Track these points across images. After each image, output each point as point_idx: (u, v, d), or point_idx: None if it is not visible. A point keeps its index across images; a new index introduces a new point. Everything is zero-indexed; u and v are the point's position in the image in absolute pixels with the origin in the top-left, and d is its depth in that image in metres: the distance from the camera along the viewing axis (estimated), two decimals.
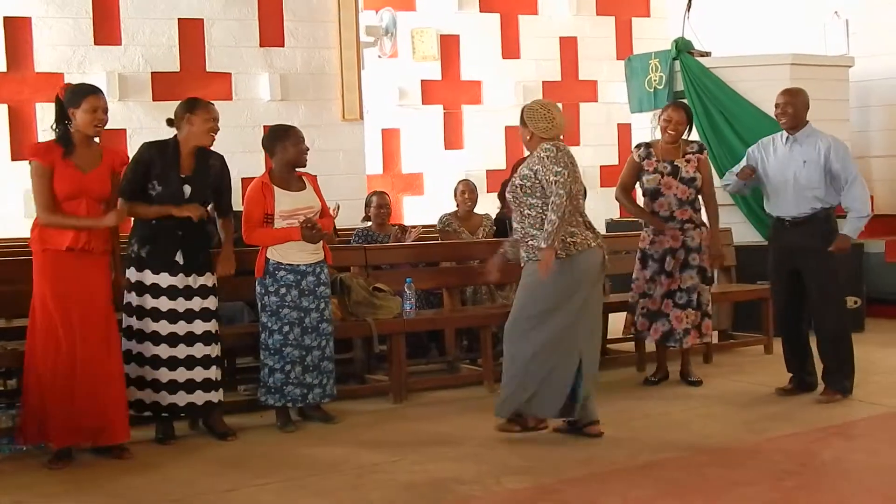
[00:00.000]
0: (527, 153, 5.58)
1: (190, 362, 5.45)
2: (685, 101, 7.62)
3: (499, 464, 5.00)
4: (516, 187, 5.38)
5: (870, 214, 6.27)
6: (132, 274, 5.42)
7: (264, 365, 5.72)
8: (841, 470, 4.86)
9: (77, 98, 5.07)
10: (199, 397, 5.49)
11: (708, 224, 6.76)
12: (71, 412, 5.02)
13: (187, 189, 5.43)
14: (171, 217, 5.37)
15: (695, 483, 4.67)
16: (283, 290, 5.68)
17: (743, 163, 6.48)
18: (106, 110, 5.14)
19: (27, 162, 5.06)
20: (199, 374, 5.47)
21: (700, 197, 6.70)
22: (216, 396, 5.58)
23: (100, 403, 5.10)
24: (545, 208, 5.25)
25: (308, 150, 5.87)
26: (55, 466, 5.04)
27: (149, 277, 5.40)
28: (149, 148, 5.47)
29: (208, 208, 5.63)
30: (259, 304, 5.74)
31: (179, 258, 5.43)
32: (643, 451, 5.16)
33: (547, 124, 5.36)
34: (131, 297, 5.42)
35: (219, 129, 5.56)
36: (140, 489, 4.72)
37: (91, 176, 5.07)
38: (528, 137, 5.44)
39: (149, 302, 5.40)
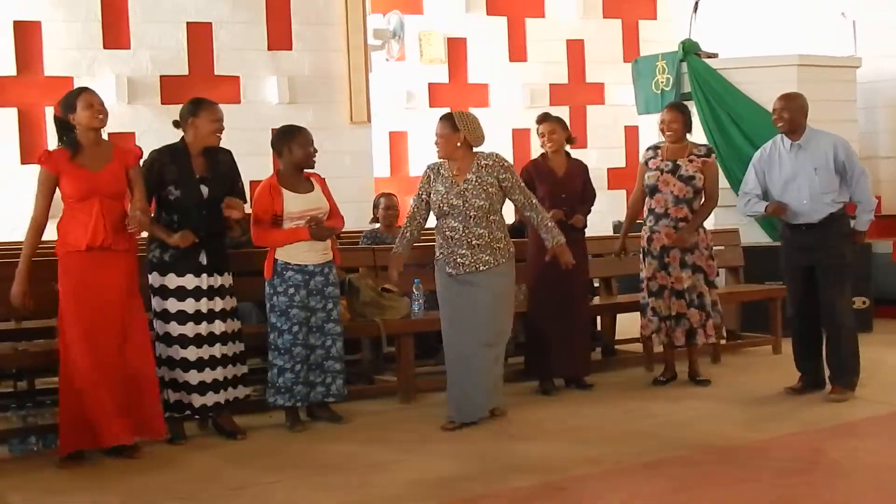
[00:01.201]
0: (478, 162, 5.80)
1: (214, 362, 5.50)
2: (683, 102, 7.60)
3: (505, 462, 5.02)
4: (491, 196, 5.61)
5: (875, 202, 6.34)
6: (155, 279, 5.44)
7: (273, 365, 5.72)
8: (848, 468, 4.87)
9: (70, 102, 5.10)
10: (231, 394, 5.59)
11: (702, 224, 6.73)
12: (104, 413, 5.02)
13: (205, 189, 5.47)
14: (191, 219, 5.40)
15: (701, 481, 4.68)
16: (291, 290, 5.68)
17: (751, 178, 6.36)
18: (101, 103, 5.15)
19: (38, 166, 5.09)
20: (226, 372, 5.54)
21: (699, 198, 6.65)
22: (242, 392, 5.69)
23: (121, 401, 5.10)
24: (501, 214, 5.74)
25: (316, 151, 5.84)
26: (66, 466, 5.06)
27: (173, 281, 5.42)
28: (158, 154, 5.48)
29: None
30: (267, 305, 5.75)
31: (203, 258, 5.46)
32: (650, 449, 5.17)
33: (481, 133, 5.75)
34: (155, 302, 5.46)
35: (224, 129, 5.59)
36: (150, 487, 4.75)
37: (102, 174, 5.08)
38: (459, 143, 5.68)
39: (174, 305, 5.42)
